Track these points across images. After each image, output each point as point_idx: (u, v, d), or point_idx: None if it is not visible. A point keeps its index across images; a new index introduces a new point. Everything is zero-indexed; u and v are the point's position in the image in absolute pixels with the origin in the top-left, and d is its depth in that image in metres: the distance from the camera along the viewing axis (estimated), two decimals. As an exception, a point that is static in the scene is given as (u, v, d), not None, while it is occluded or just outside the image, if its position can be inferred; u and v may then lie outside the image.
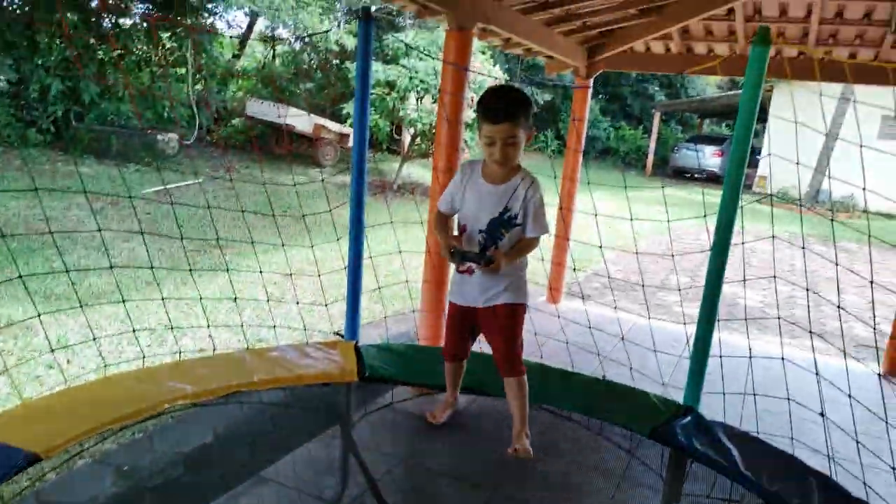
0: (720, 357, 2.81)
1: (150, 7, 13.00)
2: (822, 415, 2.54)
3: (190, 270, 4.61)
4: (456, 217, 2.52)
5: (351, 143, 12.51)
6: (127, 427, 2.11)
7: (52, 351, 3.42)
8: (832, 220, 7.56)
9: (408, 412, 2.82)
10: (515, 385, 2.45)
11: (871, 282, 2.78)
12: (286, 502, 2.61)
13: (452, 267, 2.53)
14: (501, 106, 2.26)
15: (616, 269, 8.25)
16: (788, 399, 2.72)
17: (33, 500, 2.57)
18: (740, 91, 2.72)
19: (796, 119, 2.66)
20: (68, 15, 11.38)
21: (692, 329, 2.77)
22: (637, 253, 7.71)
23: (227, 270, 3.93)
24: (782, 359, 2.85)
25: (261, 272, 4.22)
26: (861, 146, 2.53)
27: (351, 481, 2.69)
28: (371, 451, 2.55)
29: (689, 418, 2.61)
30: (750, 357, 2.88)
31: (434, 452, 2.88)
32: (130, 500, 2.59)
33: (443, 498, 2.66)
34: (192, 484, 2.74)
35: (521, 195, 2.34)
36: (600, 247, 3.70)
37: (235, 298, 3.74)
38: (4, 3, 11.53)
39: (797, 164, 2.98)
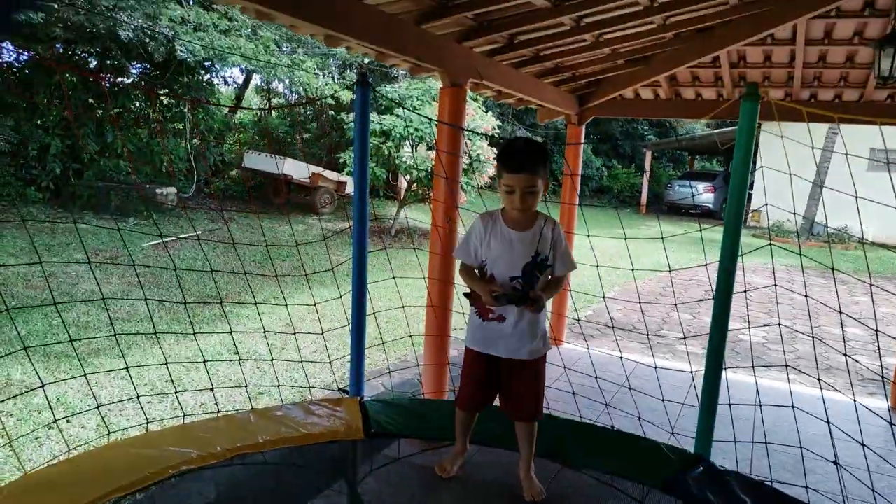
0: (729, 405, 2.79)
1: (148, 67, 13.29)
2: (835, 463, 2.51)
3: (191, 324, 4.58)
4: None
5: (348, 190, 12.56)
6: (131, 494, 2.07)
7: (55, 421, 3.38)
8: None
9: (416, 466, 2.77)
10: (531, 429, 2.52)
11: (876, 329, 2.77)
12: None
13: (470, 314, 2.55)
14: (521, 157, 2.37)
15: (617, 307, 8.25)
16: (801, 447, 2.69)
17: None
18: (729, 129, 2.78)
19: (787, 161, 2.71)
20: (66, 76, 11.61)
21: (696, 368, 2.75)
22: (640, 302, 7.72)
23: (230, 331, 3.90)
24: (792, 407, 2.83)
25: (264, 332, 4.21)
26: (852, 179, 2.58)
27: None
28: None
29: (700, 468, 2.57)
30: (760, 405, 2.86)
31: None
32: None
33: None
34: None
35: (548, 237, 2.47)
36: (603, 297, 3.70)
37: (240, 359, 3.72)
38: (4, 66, 11.78)
39: (792, 210, 3.01)
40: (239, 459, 2.44)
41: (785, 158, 2.82)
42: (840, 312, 2.87)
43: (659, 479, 2.51)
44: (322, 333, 3.55)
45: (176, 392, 3.85)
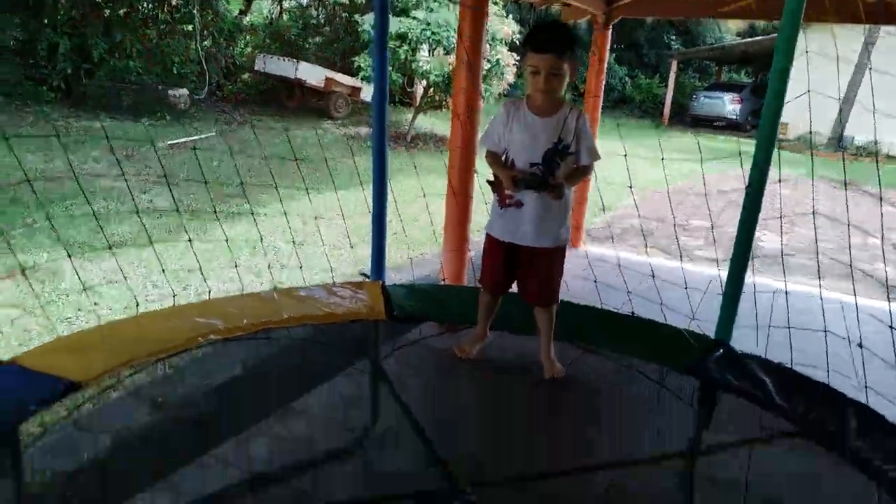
0: (754, 292, 2.76)
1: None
2: (860, 345, 2.51)
3: (214, 211, 4.58)
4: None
5: (363, 96, 12.27)
6: (161, 360, 2.12)
7: (85, 290, 3.43)
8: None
9: (437, 348, 2.81)
10: (549, 314, 2.53)
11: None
12: (316, 434, 2.64)
13: (491, 200, 2.53)
14: (548, 37, 2.33)
15: (635, 216, 8.16)
16: (826, 331, 2.68)
17: (72, 427, 2.62)
18: (759, 38, 2.61)
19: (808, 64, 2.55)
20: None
21: (716, 272, 2.71)
22: (670, 208, 7.59)
23: (252, 214, 3.88)
24: (821, 298, 2.79)
25: (285, 214, 4.19)
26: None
27: (381, 415, 2.70)
28: (401, 385, 2.56)
29: (721, 352, 2.58)
30: (786, 292, 2.83)
31: (464, 386, 2.88)
32: (165, 430, 2.63)
33: (473, 431, 2.67)
34: (224, 415, 2.78)
35: (571, 126, 2.41)
36: (629, 186, 3.60)
37: (261, 238, 3.71)
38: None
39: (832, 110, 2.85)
40: (263, 334, 2.47)
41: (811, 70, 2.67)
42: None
43: (679, 363, 2.52)
44: (344, 219, 3.51)
45: (201, 268, 3.84)
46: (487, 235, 2.60)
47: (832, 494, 2.32)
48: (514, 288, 2.68)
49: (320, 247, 4.98)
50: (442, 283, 3.32)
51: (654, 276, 3.43)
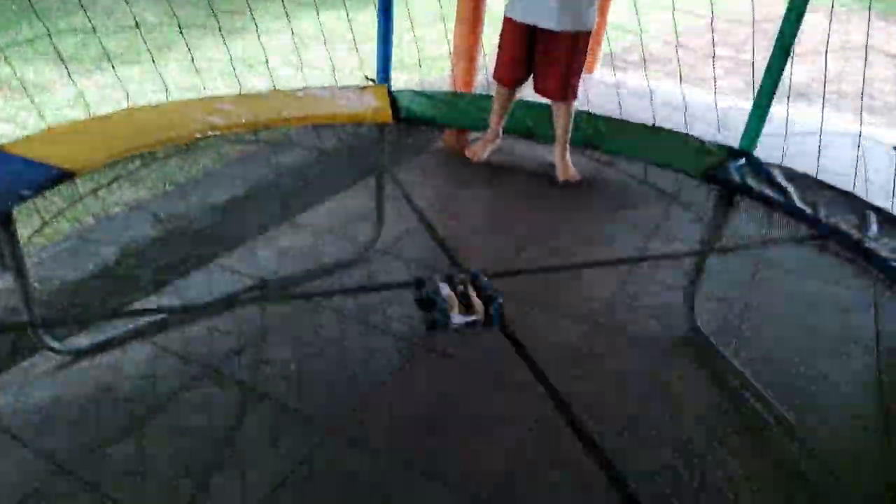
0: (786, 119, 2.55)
1: None
2: (894, 148, 2.38)
3: (214, 16, 4.24)
4: None
5: None
6: (157, 152, 2.01)
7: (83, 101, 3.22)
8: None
9: (446, 152, 2.70)
10: (564, 109, 2.40)
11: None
12: (323, 244, 2.62)
13: None
14: None
15: (654, 43, 7.64)
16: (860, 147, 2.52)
17: (64, 218, 2.60)
18: None
19: None
20: None
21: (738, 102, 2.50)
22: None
23: (256, 28, 3.55)
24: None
25: (291, 32, 3.86)
26: None
27: (388, 219, 2.66)
28: (410, 187, 2.49)
29: (744, 160, 2.46)
30: (823, 108, 2.62)
31: (475, 189, 2.81)
32: (169, 244, 2.61)
33: (481, 241, 2.65)
34: (228, 227, 2.76)
35: None
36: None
37: (266, 59, 3.44)
38: None
39: None
40: (263, 132, 2.34)
41: None
42: None
43: (699, 170, 2.41)
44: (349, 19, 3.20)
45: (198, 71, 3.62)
46: (506, 20, 2.42)
47: (854, 298, 2.32)
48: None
49: (325, 70, 4.68)
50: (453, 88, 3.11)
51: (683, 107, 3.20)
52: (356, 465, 1.66)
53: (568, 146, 2.49)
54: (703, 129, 2.77)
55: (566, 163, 2.49)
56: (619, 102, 2.80)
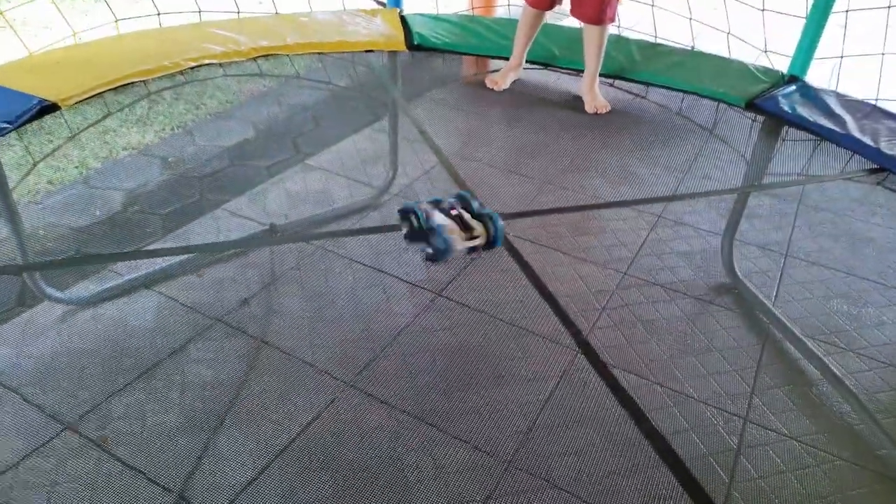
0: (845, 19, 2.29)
1: None
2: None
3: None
4: None
5: None
6: (146, 82, 1.85)
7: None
8: None
9: (464, 84, 2.50)
10: (598, 34, 2.18)
11: None
12: (335, 188, 2.49)
13: None
14: None
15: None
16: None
17: (83, 186, 2.49)
18: None
19: None
20: None
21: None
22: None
23: None
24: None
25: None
26: None
27: (402, 167, 2.51)
28: (426, 129, 2.31)
29: (794, 87, 2.22)
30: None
31: (494, 128, 2.63)
32: (178, 188, 2.49)
33: (503, 181, 2.48)
34: (236, 170, 2.62)
35: None
36: None
37: None
38: None
39: None
40: (263, 61, 2.15)
41: None
42: None
43: (742, 99, 2.18)
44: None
45: None
46: None
47: None
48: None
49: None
50: (470, 12, 2.86)
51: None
52: (371, 422, 1.57)
53: (597, 75, 2.27)
54: (747, 53, 2.52)
55: (595, 92, 2.27)
56: (654, 23, 2.53)
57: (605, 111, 2.27)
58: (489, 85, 2.38)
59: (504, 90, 2.45)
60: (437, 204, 1.48)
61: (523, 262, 2.00)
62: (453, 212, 1.45)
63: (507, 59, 2.44)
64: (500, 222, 1.45)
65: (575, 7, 2.25)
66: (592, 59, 2.26)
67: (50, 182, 2.53)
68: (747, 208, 2.23)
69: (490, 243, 1.46)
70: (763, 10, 2.28)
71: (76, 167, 2.64)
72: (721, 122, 2.24)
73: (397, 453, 1.51)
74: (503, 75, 2.39)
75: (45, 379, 1.62)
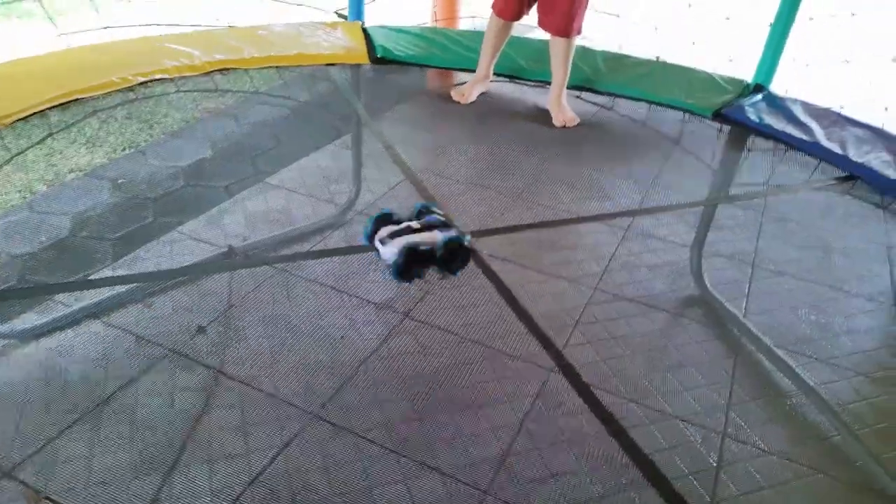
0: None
1: None
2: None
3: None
4: None
5: None
6: (94, 99, 1.74)
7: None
8: None
9: (428, 98, 2.45)
10: (565, 46, 2.16)
11: None
12: (297, 207, 2.40)
13: None
14: None
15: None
16: None
17: (28, 211, 2.35)
18: None
19: None
20: None
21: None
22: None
23: None
24: None
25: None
26: None
27: (367, 184, 2.45)
28: (390, 144, 2.25)
29: (759, 96, 2.23)
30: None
31: (461, 142, 2.59)
32: (131, 211, 2.37)
33: (470, 197, 2.43)
34: (191, 191, 2.52)
35: None
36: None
37: None
38: None
39: None
40: (220, 77, 2.06)
41: None
42: None
43: (708, 108, 2.18)
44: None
45: None
46: None
47: (878, 248, 2.15)
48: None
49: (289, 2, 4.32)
50: (434, 24, 2.81)
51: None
52: (339, 455, 1.48)
53: (565, 88, 2.24)
54: (713, 63, 2.53)
55: (563, 105, 2.25)
56: (620, 35, 2.54)
57: (573, 125, 2.24)
58: (455, 98, 2.33)
59: (471, 103, 2.40)
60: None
61: (493, 279, 1.95)
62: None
63: (472, 71, 2.40)
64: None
65: (542, 18, 2.23)
66: (559, 72, 2.24)
67: (-10, 204, 2.38)
68: (715, 219, 2.23)
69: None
70: (727, 18, 2.29)
71: (19, 191, 2.49)
72: (687, 132, 2.24)
73: (369, 487, 1.42)
74: (470, 88, 2.35)
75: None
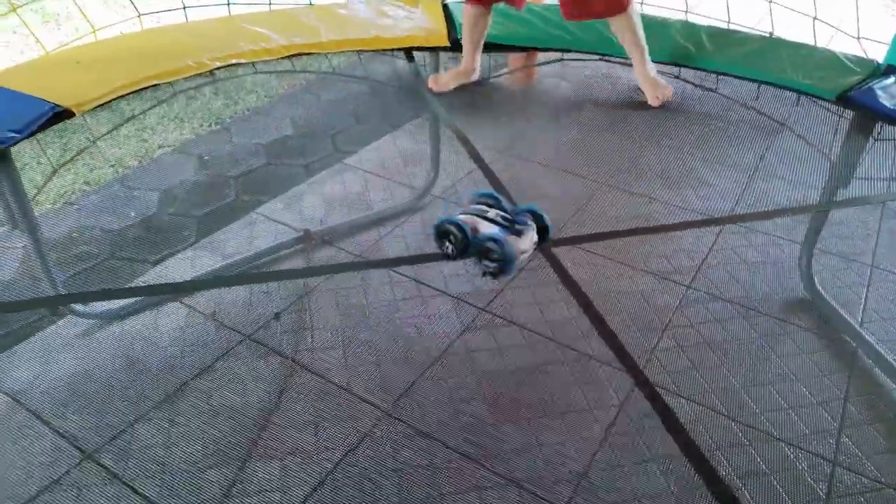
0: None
1: None
2: None
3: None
4: None
5: None
6: (172, 82, 1.73)
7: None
8: None
9: (510, 80, 2.32)
10: (626, 22, 1.93)
11: None
12: (374, 190, 2.35)
13: None
14: None
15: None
16: None
17: (119, 186, 2.42)
18: None
19: None
20: None
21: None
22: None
23: None
24: None
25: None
26: None
27: (444, 168, 2.35)
28: (469, 127, 2.13)
29: (893, 79, 1.95)
30: None
31: (543, 125, 2.45)
32: (213, 190, 2.40)
33: (550, 184, 2.30)
34: (271, 171, 2.51)
35: None
36: None
37: None
38: None
39: None
40: (297, 61, 2.01)
41: None
42: None
43: (831, 91, 1.93)
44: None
45: None
46: None
47: None
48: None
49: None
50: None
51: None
52: (411, 458, 1.43)
53: (648, 58, 2.01)
54: (836, 42, 2.25)
55: (653, 79, 2.03)
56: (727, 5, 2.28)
57: (670, 96, 2.03)
58: (430, 84, 2.09)
59: (555, 86, 2.24)
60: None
61: (575, 273, 1.83)
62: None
63: (559, 50, 2.23)
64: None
65: (577, 5, 1.98)
66: (635, 50, 2.01)
67: (87, 182, 2.47)
68: (832, 216, 2.00)
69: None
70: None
71: (112, 166, 2.57)
72: (801, 116, 2.00)
73: (441, 495, 1.36)
74: (449, 77, 2.12)
75: (66, 402, 1.53)
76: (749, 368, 1.69)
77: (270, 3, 2.22)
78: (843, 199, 1.89)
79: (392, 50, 2.09)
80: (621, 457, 1.45)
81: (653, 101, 2.03)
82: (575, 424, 1.52)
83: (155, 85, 1.64)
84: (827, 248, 2.06)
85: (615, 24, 1.96)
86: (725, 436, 1.51)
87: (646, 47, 1.99)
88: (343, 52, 2.02)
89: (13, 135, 1.38)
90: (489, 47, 2.16)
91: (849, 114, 1.88)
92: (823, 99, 1.90)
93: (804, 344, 1.78)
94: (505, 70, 2.61)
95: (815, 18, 2.24)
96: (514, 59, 2.66)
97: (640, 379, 1.57)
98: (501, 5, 2.13)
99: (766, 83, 2.02)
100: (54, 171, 2.28)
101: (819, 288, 1.93)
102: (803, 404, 1.59)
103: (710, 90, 2.16)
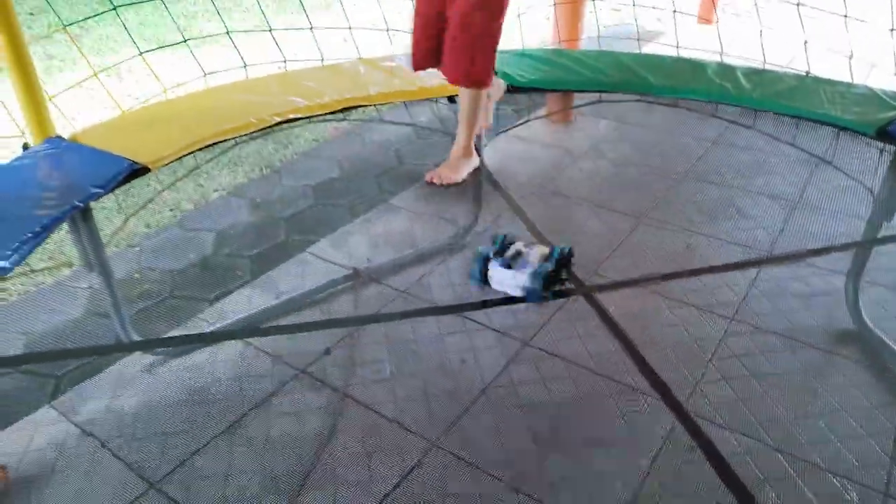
0: None
1: None
2: None
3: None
4: None
5: None
6: (237, 140, 1.87)
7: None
8: None
9: (549, 122, 2.40)
10: (467, 97, 1.83)
11: None
12: (418, 228, 2.44)
13: None
14: None
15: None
16: None
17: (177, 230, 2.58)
18: None
19: None
20: None
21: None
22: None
23: None
24: None
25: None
26: None
27: (485, 207, 2.44)
28: (508, 173, 2.22)
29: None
30: None
31: (580, 166, 2.51)
32: (265, 229, 2.52)
33: (588, 221, 2.35)
34: (321, 211, 2.63)
35: None
36: None
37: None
38: None
39: None
40: (348, 113, 2.14)
41: None
42: None
43: (871, 125, 1.94)
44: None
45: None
46: None
47: None
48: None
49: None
50: (559, 45, 2.74)
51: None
52: (459, 489, 1.47)
53: (472, 141, 1.93)
54: (875, 78, 2.26)
55: (457, 160, 1.92)
56: (762, 46, 2.31)
57: (451, 181, 1.87)
58: (431, 179, 1.91)
59: (596, 125, 2.31)
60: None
61: (617, 306, 1.86)
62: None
63: (597, 91, 2.31)
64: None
65: (445, 70, 1.84)
66: (465, 123, 1.87)
67: (147, 225, 2.63)
68: (877, 249, 1.99)
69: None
70: (894, 29, 2.02)
71: (171, 210, 2.74)
72: (841, 151, 2.02)
73: (486, 525, 1.40)
74: (459, 167, 1.95)
75: (131, 433, 1.63)
76: (796, 401, 1.68)
77: (322, 59, 2.37)
78: (888, 233, 1.89)
79: (435, 98, 2.20)
80: (667, 489, 1.46)
81: (433, 176, 1.88)
82: (620, 456, 1.54)
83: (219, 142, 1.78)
84: (874, 280, 2.05)
85: (464, 93, 1.86)
86: (772, 468, 1.50)
87: (475, 131, 1.89)
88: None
89: (97, 190, 1.52)
90: (527, 90, 2.26)
91: (890, 148, 1.89)
92: (863, 134, 1.92)
93: (852, 376, 1.76)
94: (541, 112, 2.71)
95: (849, 58, 2.26)
96: (553, 100, 2.76)
97: (684, 411, 1.59)
98: (539, 51, 2.23)
99: (803, 118, 2.05)
100: (126, 219, 2.45)
101: (866, 320, 1.91)
102: (853, 436, 1.58)
103: (747, 128, 2.20)
